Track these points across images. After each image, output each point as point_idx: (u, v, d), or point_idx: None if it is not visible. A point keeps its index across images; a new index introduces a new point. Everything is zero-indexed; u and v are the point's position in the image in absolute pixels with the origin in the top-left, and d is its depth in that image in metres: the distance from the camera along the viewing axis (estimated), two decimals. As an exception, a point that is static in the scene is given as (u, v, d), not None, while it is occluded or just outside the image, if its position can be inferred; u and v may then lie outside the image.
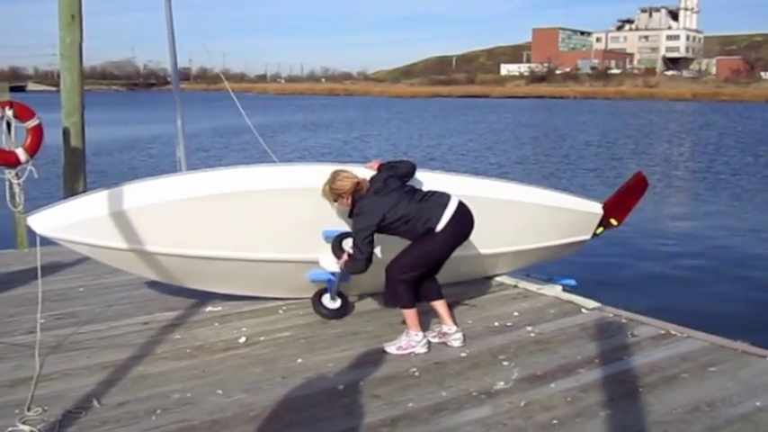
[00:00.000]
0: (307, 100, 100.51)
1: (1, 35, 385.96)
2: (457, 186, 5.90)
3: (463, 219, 5.11)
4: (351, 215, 5.16)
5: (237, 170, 5.60)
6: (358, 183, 5.11)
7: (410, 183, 5.32)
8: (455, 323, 5.34)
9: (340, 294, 5.92)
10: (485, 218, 5.86)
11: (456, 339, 5.24)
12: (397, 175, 5.22)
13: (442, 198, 5.10)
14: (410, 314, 5.14)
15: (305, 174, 5.55)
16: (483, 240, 6.10)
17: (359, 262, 5.04)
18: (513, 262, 6.82)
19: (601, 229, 6.72)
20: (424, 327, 5.30)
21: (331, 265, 5.46)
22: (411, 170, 5.38)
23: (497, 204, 6.14)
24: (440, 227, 4.99)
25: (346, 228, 5.42)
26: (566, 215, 6.55)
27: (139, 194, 5.35)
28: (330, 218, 5.50)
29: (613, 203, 6.66)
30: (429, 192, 5.19)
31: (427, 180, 5.63)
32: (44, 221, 5.29)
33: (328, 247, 5.47)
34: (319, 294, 5.91)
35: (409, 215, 5.00)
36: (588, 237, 6.76)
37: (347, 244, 5.31)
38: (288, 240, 5.63)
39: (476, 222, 5.25)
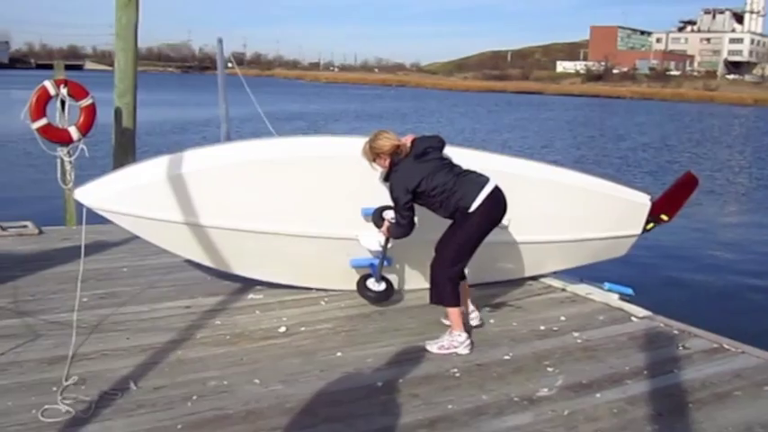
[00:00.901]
0: (359, 89, 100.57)
1: (61, 14, 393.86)
2: (496, 164, 5.85)
3: (497, 202, 4.99)
4: (386, 178, 5.08)
5: (285, 139, 5.75)
6: (398, 145, 5.00)
7: (449, 158, 5.19)
8: (473, 303, 5.43)
9: (384, 278, 5.84)
10: (526, 198, 5.76)
11: (473, 318, 5.41)
12: (434, 147, 5.14)
13: (480, 178, 5.02)
14: (455, 313, 5.02)
15: (353, 144, 5.42)
16: (525, 225, 5.96)
17: (402, 227, 5.06)
18: (560, 257, 6.58)
19: (651, 225, 6.52)
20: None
21: (372, 243, 5.49)
22: (443, 145, 5.27)
23: (538, 183, 6.04)
24: (474, 206, 4.89)
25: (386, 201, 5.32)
26: (611, 202, 6.37)
27: (185, 162, 5.40)
28: (373, 190, 5.39)
29: (663, 201, 6.50)
30: (467, 170, 5.09)
31: (466, 157, 5.49)
32: (90, 193, 5.36)
33: (368, 225, 5.43)
34: (364, 278, 5.85)
35: (446, 186, 4.90)
36: (638, 231, 6.55)
37: (388, 214, 5.32)
38: (334, 215, 5.64)
39: (517, 203, 5.21)
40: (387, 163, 5.03)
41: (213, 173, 5.45)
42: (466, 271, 5.26)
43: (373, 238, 5.54)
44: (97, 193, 5.37)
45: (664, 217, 6.52)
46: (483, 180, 5.00)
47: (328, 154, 5.59)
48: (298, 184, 5.55)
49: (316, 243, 5.71)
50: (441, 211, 5.02)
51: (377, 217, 5.49)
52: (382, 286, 5.83)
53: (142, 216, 5.44)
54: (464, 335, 4.99)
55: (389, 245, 5.55)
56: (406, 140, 5.19)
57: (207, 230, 5.56)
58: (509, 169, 5.86)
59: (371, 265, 5.78)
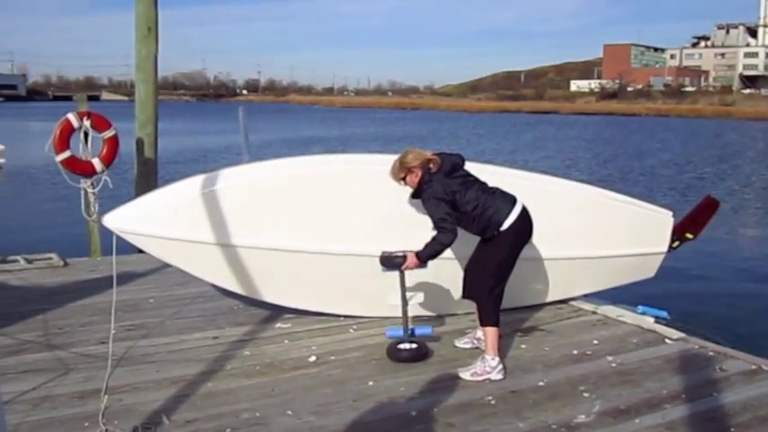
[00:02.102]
0: (374, 113, 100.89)
1: (76, 46, 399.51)
2: (522, 179, 5.86)
3: (527, 220, 5.01)
4: (416, 195, 5.05)
5: (311, 157, 5.81)
6: (430, 159, 4.97)
7: (475, 176, 5.18)
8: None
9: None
10: (550, 213, 5.69)
11: (466, 342, 5.41)
12: (460, 164, 5.16)
13: (509, 196, 5.02)
14: (494, 335, 4.96)
15: (380, 160, 5.48)
16: (550, 240, 5.88)
17: (445, 237, 4.82)
18: (587, 276, 6.47)
19: (677, 243, 6.45)
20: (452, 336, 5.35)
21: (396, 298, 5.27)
22: (464, 162, 5.29)
23: (561, 198, 6.03)
24: (507, 222, 4.89)
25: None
26: (635, 217, 6.32)
27: (210, 181, 5.45)
28: (403, 209, 5.39)
29: (686, 223, 6.50)
30: (495, 187, 5.08)
31: (491, 173, 5.50)
32: (117, 218, 5.42)
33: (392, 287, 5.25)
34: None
35: (478, 200, 4.89)
36: (664, 249, 6.44)
37: (398, 254, 5.04)
38: (360, 232, 5.59)
39: (542, 218, 5.18)
40: (417, 179, 4.98)
41: (240, 189, 5.48)
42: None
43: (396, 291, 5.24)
44: (124, 218, 5.42)
45: (689, 235, 6.46)
46: (512, 198, 5.01)
47: (357, 168, 5.65)
48: (323, 200, 5.54)
49: (344, 261, 5.66)
50: (473, 227, 4.99)
51: (387, 260, 5.11)
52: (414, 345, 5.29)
53: (169, 237, 5.44)
54: (497, 359, 4.92)
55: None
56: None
57: (235, 251, 5.55)
58: (534, 184, 5.89)
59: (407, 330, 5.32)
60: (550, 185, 6.18)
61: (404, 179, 5.05)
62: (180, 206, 5.43)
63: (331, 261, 5.64)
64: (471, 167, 5.30)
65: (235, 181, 5.52)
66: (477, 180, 5.07)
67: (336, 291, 5.91)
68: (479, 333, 5.23)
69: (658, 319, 6.34)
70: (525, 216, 4.99)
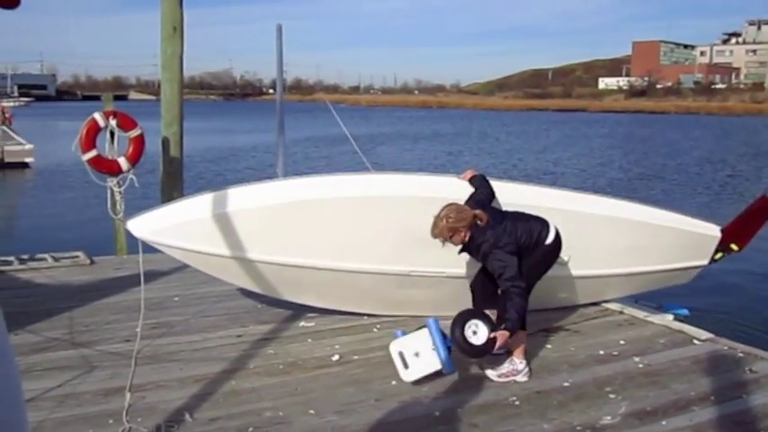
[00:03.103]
0: (400, 112, 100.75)
1: (105, 47, 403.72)
2: (561, 201, 5.75)
3: (561, 242, 5.01)
4: (465, 249, 4.88)
5: (336, 177, 5.63)
6: (475, 216, 4.76)
7: (509, 202, 5.22)
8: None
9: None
10: (588, 235, 5.72)
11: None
12: (489, 203, 5.14)
13: (543, 220, 5.00)
14: (521, 338, 4.90)
15: (402, 183, 5.56)
16: (587, 260, 5.84)
17: (522, 296, 4.59)
18: (621, 287, 6.43)
19: (720, 255, 6.25)
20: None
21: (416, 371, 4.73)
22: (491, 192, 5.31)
23: (600, 221, 5.88)
24: (550, 239, 4.90)
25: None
26: (679, 237, 6.14)
27: (237, 199, 5.40)
28: (426, 228, 5.30)
29: (734, 228, 6.22)
30: (522, 213, 5.03)
31: (526, 193, 5.48)
32: (142, 225, 5.40)
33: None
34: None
35: (522, 231, 4.83)
36: (705, 262, 6.30)
37: (476, 325, 4.56)
38: (384, 251, 5.55)
39: (579, 240, 5.21)
40: (466, 237, 4.77)
41: (263, 212, 5.43)
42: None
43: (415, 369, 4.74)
44: (148, 226, 5.41)
45: (734, 247, 6.22)
46: (544, 219, 5.00)
47: (381, 194, 5.51)
48: (346, 222, 5.49)
49: (367, 278, 5.67)
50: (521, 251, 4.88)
51: (476, 350, 4.56)
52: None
53: (192, 250, 5.46)
54: (524, 362, 4.87)
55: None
56: (466, 176, 5.36)
57: (258, 265, 5.56)
58: (573, 207, 5.77)
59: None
60: (592, 207, 5.96)
61: (450, 238, 4.80)
62: (203, 221, 5.38)
63: (350, 278, 5.65)
64: (517, 189, 5.34)
65: (256, 202, 5.44)
66: (512, 214, 4.97)
67: (356, 300, 5.94)
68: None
69: (677, 316, 6.25)
70: (560, 237, 4.99)
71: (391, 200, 5.45)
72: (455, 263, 5.40)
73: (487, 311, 4.76)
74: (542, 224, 4.95)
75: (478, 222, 4.74)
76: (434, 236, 4.77)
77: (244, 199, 5.41)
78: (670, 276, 6.41)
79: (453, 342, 4.49)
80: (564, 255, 5.33)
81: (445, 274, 5.61)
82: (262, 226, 5.44)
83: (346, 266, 5.56)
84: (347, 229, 5.50)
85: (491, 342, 4.51)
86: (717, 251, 6.23)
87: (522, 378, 4.81)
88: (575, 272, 5.91)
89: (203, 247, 5.44)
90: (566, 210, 5.63)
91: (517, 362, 4.85)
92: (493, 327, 4.54)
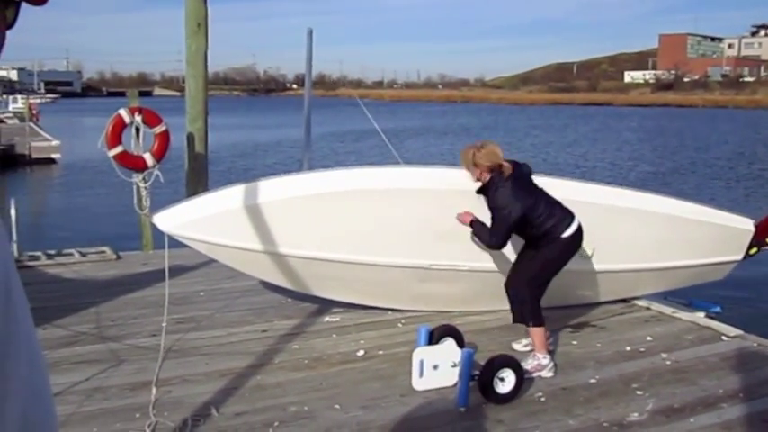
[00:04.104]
0: (425, 106, 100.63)
1: (130, 43, 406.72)
2: (586, 194, 5.70)
3: (581, 236, 5.00)
4: (481, 191, 5.00)
5: (360, 170, 5.69)
6: (500, 165, 4.88)
7: (540, 186, 5.14)
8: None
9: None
10: (617, 228, 5.69)
11: (526, 344, 5.22)
12: (529, 173, 5.13)
13: (567, 209, 4.98)
14: (538, 333, 4.89)
15: (428, 175, 5.55)
16: (616, 254, 5.80)
17: (492, 240, 4.94)
18: (653, 283, 6.33)
19: (755, 250, 6.10)
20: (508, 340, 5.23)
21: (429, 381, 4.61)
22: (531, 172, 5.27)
23: (630, 214, 5.82)
24: (567, 233, 4.87)
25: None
26: (711, 230, 6.02)
27: (262, 191, 5.42)
28: (447, 222, 5.28)
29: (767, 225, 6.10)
30: (556, 200, 5.02)
31: (554, 186, 5.40)
32: (168, 219, 5.45)
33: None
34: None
35: (544, 210, 4.86)
36: (739, 257, 6.16)
37: (506, 373, 4.42)
38: (407, 245, 5.55)
39: (608, 233, 5.29)
40: (482, 176, 4.94)
41: (288, 204, 5.45)
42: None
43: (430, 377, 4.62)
44: (174, 220, 5.46)
45: None
46: (570, 212, 4.99)
47: (404, 187, 5.52)
48: (372, 215, 5.50)
49: (389, 271, 5.67)
50: (531, 231, 4.94)
51: (489, 383, 4.38)
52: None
53: (218, 244, 5.50)
54: (548, 357, 4.84)
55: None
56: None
57: (283, 258, 5.58)
58: (602, 200, 5.73)
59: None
60: (622, 200, 5.91)
61: (469, 169, 5.00)
62: (228, 214, 5.43)
63: (375, 270, 5.66)
64: (543, 181, 5.26)
65: (282, 194, 5.47)
66: (542, 190, 5.02)
67: (380, 294, 5.94)
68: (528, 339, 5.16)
69: (709, 313, 6.17)
70: (581, 231, 4.98)
71: (416, 192, 5.43)
72: (477, 257, 5.39)
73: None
74: (566, 214, 4.93)
75: (502, 172, 4.85)
76: (462, 161, 5.02)
77: (269, 191, 5.44)
78: (703, 272, 6.30)
79: (479, 382, 4.40)
80: (589, 248, 5.37)
81: (467, 268, 5.59)
82: (287, 218, 5.45)
83: (370, 260, 5.57)
84: (372, 220, 5.50)
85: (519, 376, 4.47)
86: (751, 246, 6.10)
87: (547, 373, 4.78)
88: (603, 266, 5.86)
89: (228, 241, 5.48)
90: (594, 203, 5.59)
91: (540, 357, 4.83)
92: (522, 377, 4.47)
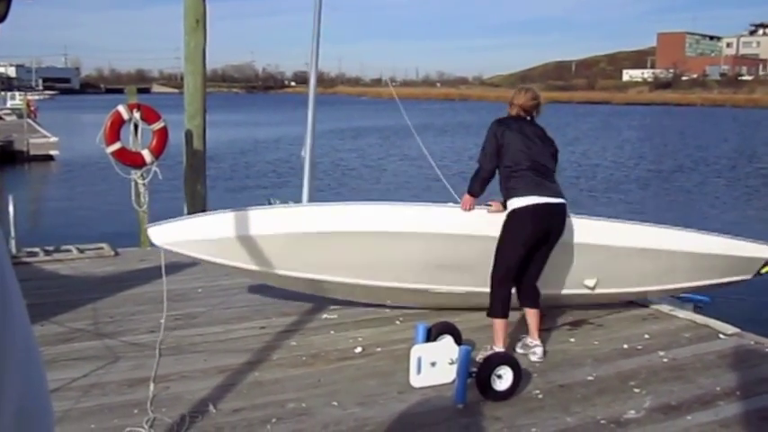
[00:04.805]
0: (423, 104, 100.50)
1: (128, 40, 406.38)
2: (592, 234, 5.57)
3: (547, 215, 4.93)
4: None
5: (357, 207, 5.60)
6: (516, 105, 5.23)
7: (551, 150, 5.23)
8: (539, 337, 5.12)
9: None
10: (625, 266, 5.70)
11: (533, 354, 5.03)
12: (546, 137, 5.24)
13: (547, 185, 4.97)
14: (498, 327, 4.97)
15: (425, 215, 5.51)
16: (623, 283, 5.87)
17: (480, 165, 5.13)
18: (656, 294, 6.34)
19: (767, 269, 5.93)
20: (508, 339, 5.19)
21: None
22: (556, 153, 5.29)
23: (640, 253, 5.68)
24: (519, 203, 4.89)
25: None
26: (724, 261, 5.88)
27: (258, 222, 5.40)
28: (448, 259, 5.38)
29: None
30: (543, 169, 5.03)
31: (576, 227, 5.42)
32: (162, 234, 5.47)
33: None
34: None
35: (513, 163, 4.94)
36: (748, 276, 6.03)
37: (504, 370, 4.42)
38: (404, 275, 5.61)
39: (614, 270, 5.42)
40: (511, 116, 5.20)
41: (287, 239, 5.45)
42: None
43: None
44: (169, 236, 5.49)
45: None
46: (546, 187, 4.94)
47: (400, 230, 5.44)
48: (370, 254, 5.50)
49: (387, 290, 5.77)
50: (502, 181, 5.06)
51: (486, 380, 4.40)
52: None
53: (213, 263, 5.66)
54: (502, 351, 4.87)
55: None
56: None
57: (279, 277, 5.70)
58: (610, 241, 5.59)
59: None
60: (638, 240, 5.71)
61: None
62: (225, 241, 5.44)
63: (372, 289, 5.77)
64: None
65: (279, 228, 5.44)
66: (538, 148, 5.05)
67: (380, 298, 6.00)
68: (528, 340, 5.14)
69: (698, 305, 6.17)
70: (547, 210, 4.90)
71: (412, 236, 5.38)
72: (473, 283, 5.38)
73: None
74: (535, 186, 4.91)
75: (510, 111, 5.25)
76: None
77: (265, 223, 5.41)
78: (709, 289, 6.30)
79: (476, 379, 4.40)
80: (591, 279, 5.55)
81: (464, 292, 5.62)
82: (284, 251, 5.48)
83: (368, 283, 5.64)
84: (369, 257, 5.50)
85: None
86: (764, 265, 5.95)
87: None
88: (605, 291, 5.85)
89: (224, 261, 5.58)
90: (601, 245, 5.54)
91: (496, 349, 4.90)
92: (520, 375, 4.47)
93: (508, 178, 4.97)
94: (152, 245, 8.51)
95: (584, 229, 5.51)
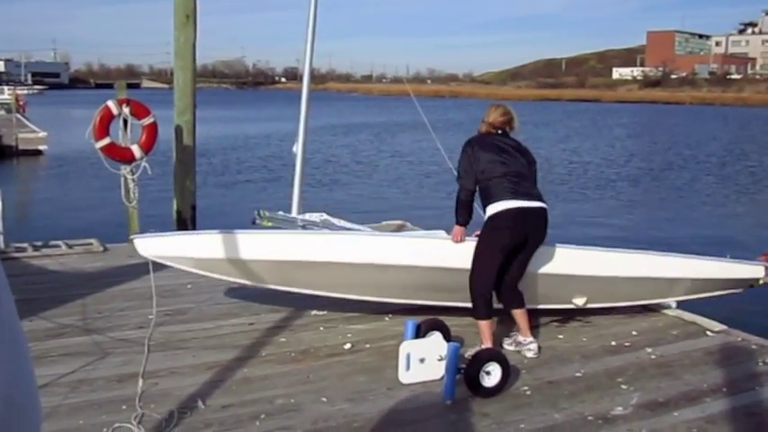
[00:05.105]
0: (413, 101, 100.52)
1: (118, 35, 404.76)
2: (582, 265, 5.58)
3: (525, 219, 4.95)
4: None
5: (343, 238, 5.55)
6: (493, 124, 5.22)
7: (525, 159, 5.19)
8: (531, 334, 5.16)
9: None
10: (614, 292, 5.79)
11: (529, 350, 5.07)
12: (520, 147, 5.23)
13: (524, 189, 4.98)
14: (481, 326, 5.01)
15: (413, 247, 5.46)
16: (617, 300, 5.92)
17: (460, 189, 5.09)
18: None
19: (763, 281, 5.88)
20: (499, 336, 5.22)
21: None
22: (531, 161, 5.26)
23: (631, 282, 5.72)
24: (494, 209, 4.92)
25: None
26: (718, 282, 5.91)
27: (248, 246, 5.38)
28: (438, 283, 5.42)
29: None
30: (524, 178, 5.04)
31: (545, 256, 5.39)
32: (148, 246, 5.47)
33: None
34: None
35: (487, 172, 4.96)
36: (741, 290, 6.05)
37: (492, 366, 4.44)
38: (390, 294, 5.69)
39: (608, 293, 5.61)
40: (483, 133, 5.23)
41: (276, 266, 5.48)
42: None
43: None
44: (155, 249, 5.48)
45: None
46: (522, 192, 4.95)
47: (385, 261, 5.42)
48: (359, 280, 5.54)
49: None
50: (480, 202, 5.09)
51: (474, 377, 4.44)
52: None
53: (200, 275, 5.74)
54: (491, 348, 4.90)
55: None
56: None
57: (270, 288, 5.77)
58: (600, 271, 5.58)
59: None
60: (629, 269, 5.68)
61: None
62: (210, 261, 5.49)
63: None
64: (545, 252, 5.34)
65: (269, 254, 5.44)
66: (511, 158, 5.06)
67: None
68: (520, 337, 5.17)
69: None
70: (522, 213, 4.92)
71: (402, 268, 5.38)
72: (459, 299, 5.36)
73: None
74: (506, 193, 4.92)
75: (480, 128, 5.27)
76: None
77: (252, 248, 5.39)
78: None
79: (465, 376, 4.41)
80: (580, 298, 5.60)
81: (450, 305, 5.63)
82: (269, 273, 5.54)
83: (359, 298, 5.70)
84: (355, 281, 5.53)
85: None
86: (756, 280, 5.93)
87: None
88: (594, 306, 5.87)
89: (210, 275, 5.67)
90: (592, 276, 5.54)
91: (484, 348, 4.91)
92: (509, 371, 4.50)
93: (485, 189, 5.01)
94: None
95: (573, 260, 5.53)
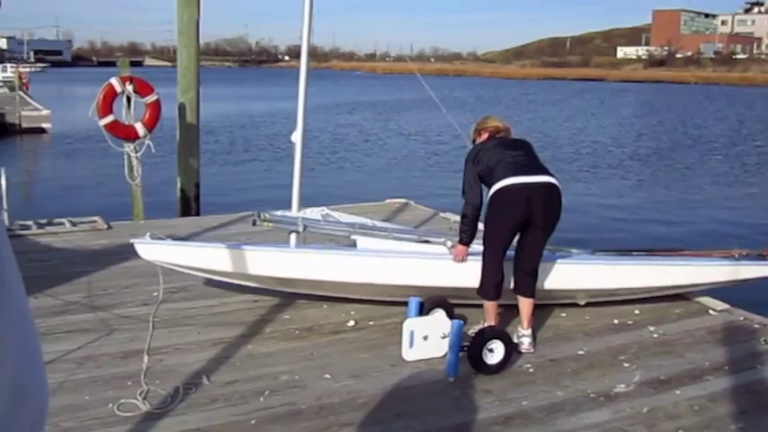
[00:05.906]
0: (418, 79, 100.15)
1: (120, 12, 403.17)
2: (587, 279, 5.58)
3: (532, 193, 4.76)
4: None
5: (346, 257, 5.50)
6: (498, 127, 5.23)
7: (526, 152, 5.10)
8: (530, 325, 4.91)
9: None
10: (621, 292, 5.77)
11: (521, 343, 4.81)
12: (520, 141, 5.20)
13: (528, 166, 4.88)
14: (489, 309, 4.95)
15: (411, 269, 5.37)
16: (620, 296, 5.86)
17: (467, 204, 4.99)
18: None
19: None
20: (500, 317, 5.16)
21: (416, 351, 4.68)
22: (527, 145, 5.20)
23: (636, 291, 5.73)
24: (497, 186, 4.78)
25: None
26: (724, 285, 5.85)
27: (244, 260, 5.38)
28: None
29: None
30: (527, 157, 4.99)
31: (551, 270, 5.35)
32: (149, 251, 5.49)
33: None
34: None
35: (491, 164, 4.88)
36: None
37: (495, 344, 4.48)
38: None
39: (610, 294, 5.55)
40: (484, 140, 5.18)
41: (278, 281, 5.54)
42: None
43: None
44: (155, 254, 5.49)
45: None
46: (527, 169, 4.84)
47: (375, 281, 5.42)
48: (354, 292, 5.59)
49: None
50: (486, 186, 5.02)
51: (477, 354, 4.49)
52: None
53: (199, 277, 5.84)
54: (494, 326, 4.88)
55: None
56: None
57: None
58: (605, 284, 5.58)
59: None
60: (638, 280, 5.68)
61: (474, 140, 5.29)
62: (209, 272, 5.63)
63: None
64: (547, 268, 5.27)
65: (270, 270, 5.47)
66: (512, 150, 5.01)
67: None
68: (518, 328, 5.02)
69: None
70: (527, 187, 4.75)
71: (403, 287, 5.34)
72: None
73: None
74: (509, 171, 4.81)
75: (497, 133, 5.22)
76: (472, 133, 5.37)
77: (251, 263, 5.39)
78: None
79: (468, 353, 4.44)
80: (582, 299, 5.63)
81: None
82: (270, 284, 5.61)
83: (356, 297, 5.69)
84: (357, 293, 5.59)
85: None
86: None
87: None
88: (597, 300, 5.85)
89: (211, 277, 5.76)
90: (601, 289, 5.59)
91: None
92: (512, 349, 4.52)
93: (488, 176, 4.87)
94: (146, 217, 8.64)
95: (582, 275, 5.52)
